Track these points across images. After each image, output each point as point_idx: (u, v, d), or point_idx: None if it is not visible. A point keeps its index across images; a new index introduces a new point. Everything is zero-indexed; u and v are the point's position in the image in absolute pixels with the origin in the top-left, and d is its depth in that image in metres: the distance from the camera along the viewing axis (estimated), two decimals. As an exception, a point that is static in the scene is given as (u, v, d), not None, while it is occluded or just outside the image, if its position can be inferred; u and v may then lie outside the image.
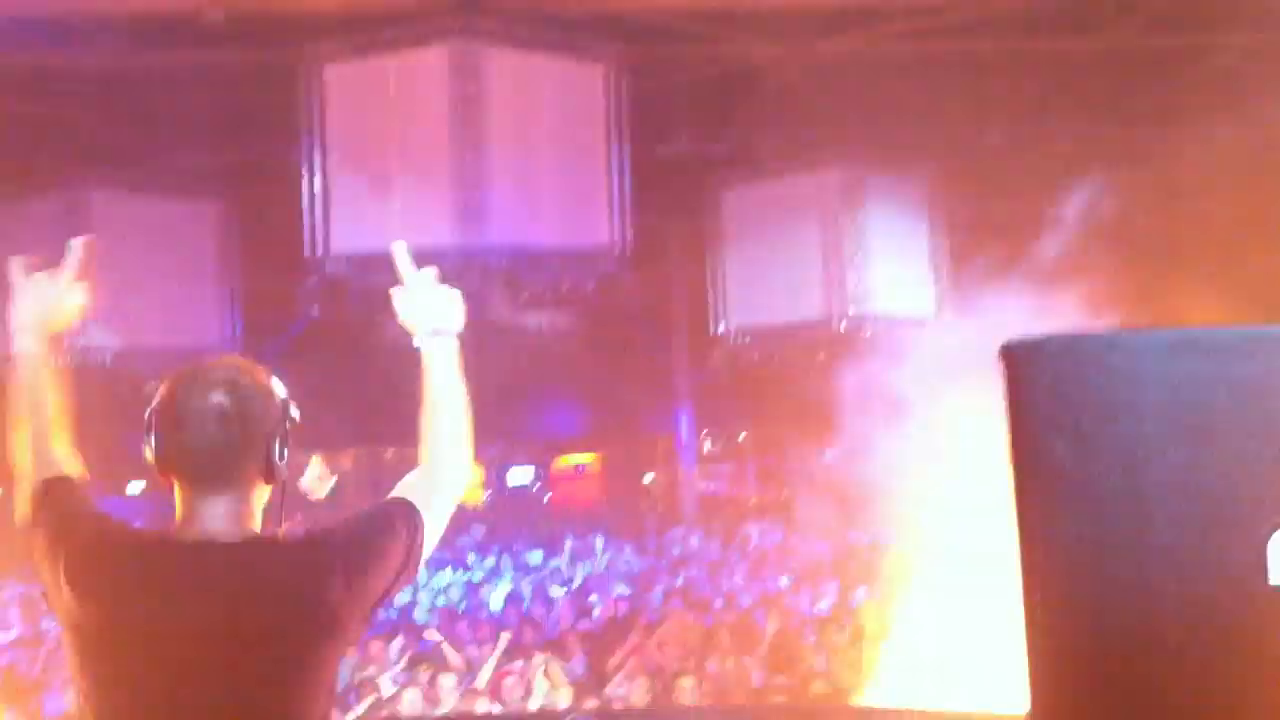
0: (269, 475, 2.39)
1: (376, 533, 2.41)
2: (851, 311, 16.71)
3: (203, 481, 2.33)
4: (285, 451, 2.39)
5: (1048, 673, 1.69)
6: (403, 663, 6.98)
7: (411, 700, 5.84)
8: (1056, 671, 1.68)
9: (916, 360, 11.11)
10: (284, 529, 2.45)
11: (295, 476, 2.27)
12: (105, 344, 16.09)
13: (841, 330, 16.88)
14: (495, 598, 11.42)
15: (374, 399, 22.99)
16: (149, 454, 2.40)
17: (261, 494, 2.40)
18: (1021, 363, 1.80)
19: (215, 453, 2.31)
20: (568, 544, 15.06)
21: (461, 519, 22.16)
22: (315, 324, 21.41)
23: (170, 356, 18.11)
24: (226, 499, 2.33)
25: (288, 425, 2.42)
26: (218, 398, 2.33)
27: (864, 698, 5.78)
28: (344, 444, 26.29)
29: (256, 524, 2.39)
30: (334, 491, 25.70)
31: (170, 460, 2.36)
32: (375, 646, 7.55)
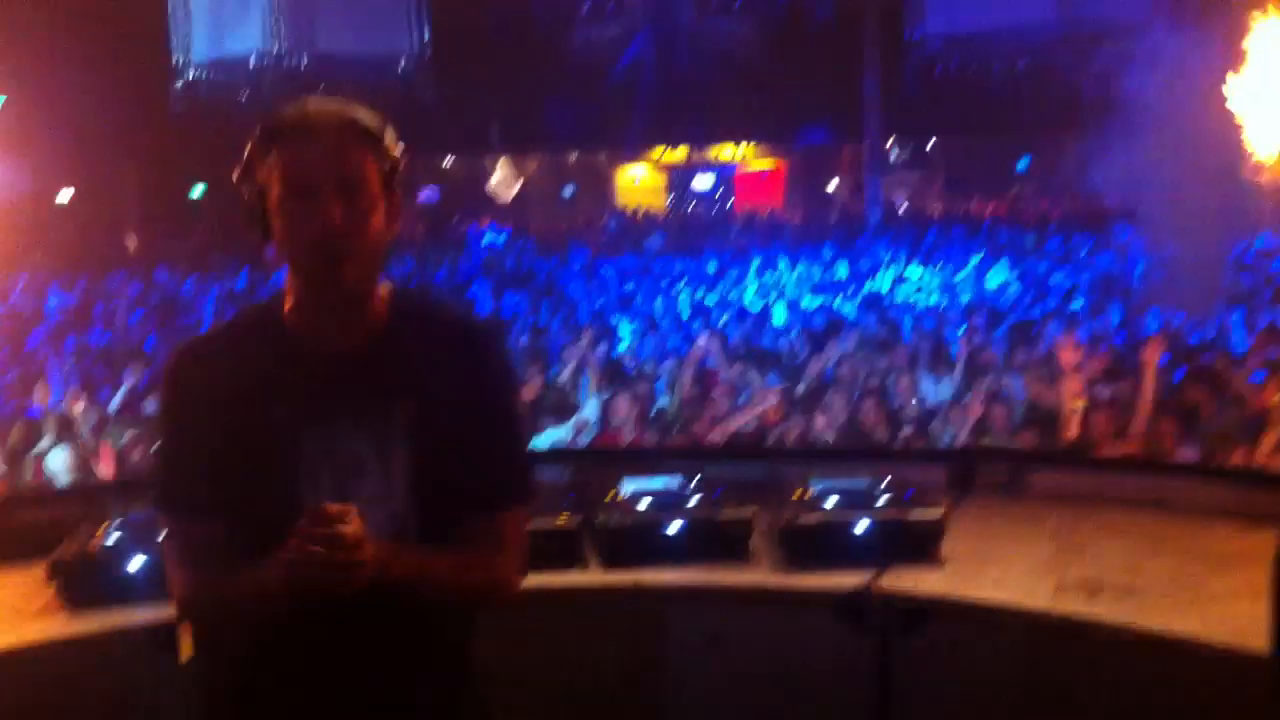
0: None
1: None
2: (1060, 14, 15.70)
3: None
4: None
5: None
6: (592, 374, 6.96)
7: (591, 410, 5.91)
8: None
9: (1135, 67, 10.35)
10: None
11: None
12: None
13: (1049, 35, 15.92)
14: (679, 308, 11.42)
15: (560, 103, 22.94)
16: None
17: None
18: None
19: None
20: (756, 259, 14.94)
21: (645, 225, 22.28)
22: (504, 29, 21.26)
23: (360, 63, 18.26)
24: None
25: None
26: None
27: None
28: (531, 148, 26.45)
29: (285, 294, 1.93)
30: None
31: None
32: (571, 352, 7.53)
